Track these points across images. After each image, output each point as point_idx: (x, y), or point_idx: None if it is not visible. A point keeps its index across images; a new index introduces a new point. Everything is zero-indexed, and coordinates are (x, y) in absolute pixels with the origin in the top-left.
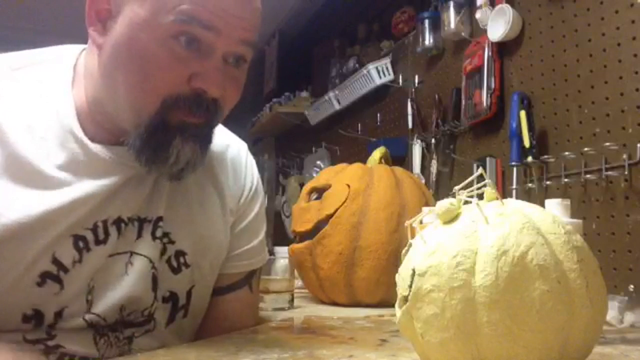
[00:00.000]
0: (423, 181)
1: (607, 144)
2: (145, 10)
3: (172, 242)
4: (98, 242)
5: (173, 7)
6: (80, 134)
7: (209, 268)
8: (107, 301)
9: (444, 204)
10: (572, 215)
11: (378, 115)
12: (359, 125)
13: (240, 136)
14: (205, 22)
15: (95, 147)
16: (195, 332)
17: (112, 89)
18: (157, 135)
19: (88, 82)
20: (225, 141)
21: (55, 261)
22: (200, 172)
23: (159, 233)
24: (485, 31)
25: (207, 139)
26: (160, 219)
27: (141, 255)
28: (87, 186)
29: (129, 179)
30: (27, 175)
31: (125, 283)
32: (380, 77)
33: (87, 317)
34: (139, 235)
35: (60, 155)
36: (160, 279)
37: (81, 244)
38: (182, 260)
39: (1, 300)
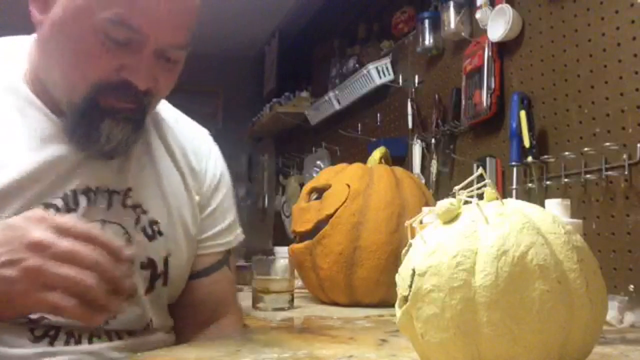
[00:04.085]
0: (423, 181)
1: (607, 144)
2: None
3: (144, 212)
4: (69, 209)
5: (107, 6)
6: (39, 103)
7: (183, 240)
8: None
9: (444, 204)
10: (572, 215)
11: (378, 115)
12: (359, 125)
13: (240, 136)
14: (136, 27)
15: (54, 119)
16: (171, 303)
17: (48, 68)
18: (88, 116)
19: (33, 59)
20: (188, 125)
21: None
22: (163, 150)
23: (129, 203)
24: (485, 31)
25: (140, 121)
26: (129, 190)
27: (114, 223)
28: (51, 155)
29: (101, 153)
30: None
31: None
32: (380, 77)
33: None
34: (110, 205)
35: (22, 126)
36: (136, 246)
37: (53, 212)
38: (155, 228)
39: None
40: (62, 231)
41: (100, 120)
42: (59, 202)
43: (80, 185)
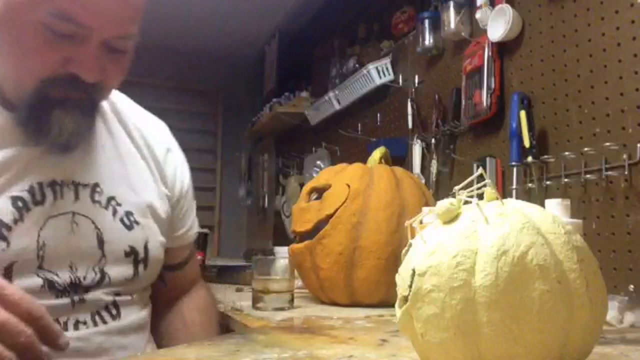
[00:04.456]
0: (423, 181)
1: (607, 144)
2: None
3: (119, 204)
4: (36, 202)
5: (48, 0)
6: None
7: (155, 225)
8: (57, 257)
9: (444, 204)
10: (572, 215)
11: (378, 115)
12: (359, 125)
13: (240, 136)
14: (79, 21)
15: (6, 113)
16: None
17: None
18: (38, 109)
19: None
20: (147, 117)
21: None
22: (127, 141)
23: (98, 197)
24: (485, 31)
25: (91, 111)
26: (97, 185)
27: (83, 216)
28: (8, 150)
29: (57, 145)
30: None
31: (72, 241)
32: (380, 77)
33: (41, 274)
34: (77, 197)
35: None
36: (116, 236)
37: (20, 204)
38: (132, 218)
39: None
40: (5, 302)
41: (50, 111)
42: (25, 195)
43: (46, 178)
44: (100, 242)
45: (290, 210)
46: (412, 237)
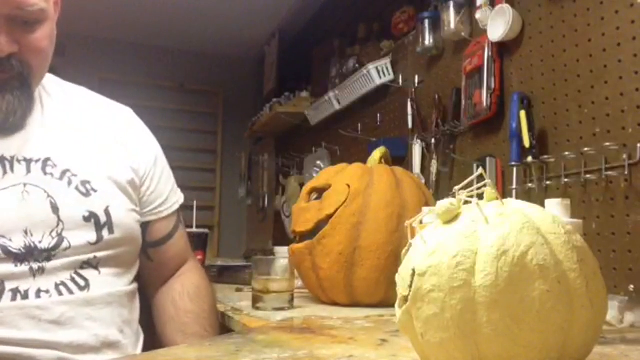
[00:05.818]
0: (423, 181)
1: (607, 144)
2: None
3: (74, 175)
4: None
5: None
6: None
7: (118, 193)
8: (9, 223)
9: (444, 204)
10: (572, 215)
11: (378, 115)
12: (359, 125)
13: (240, 136)
14: None
15: None
16: (133, 258)
17: None
18: None
19: None
20: (111, 103)
21: None
22: (87, 120)
23: (51, 170)
24: (485, 31)
25: (24, 90)
26: (48, 159)
27: (35, 186)
28: None
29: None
30: None
31: (25, 208)
32: (380, 77)
33: None
34: (28, 171)
35: None
36: (71, 203)
37: None
38: (88, 187)
39: None
40: None
41: None
42: None
43: None
44: (55, 209)
45: (290, 210)
46: (412, 237)
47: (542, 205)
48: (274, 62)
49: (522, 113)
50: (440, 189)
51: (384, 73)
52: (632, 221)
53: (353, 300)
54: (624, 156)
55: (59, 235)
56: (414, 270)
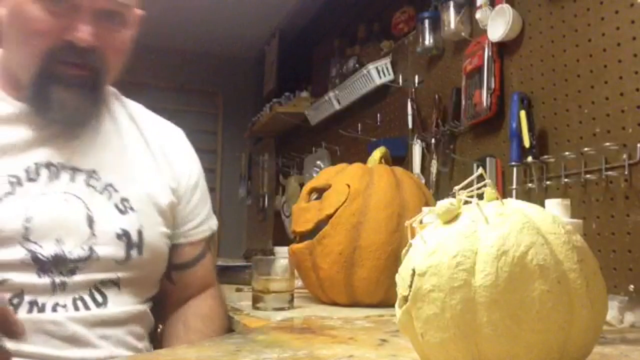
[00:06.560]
0: (423, 181)
1: (607, 144)
2: None
3: (116, 190)
4: (29, 179)
5: None
6: (2, 94)
7: (156, 215)
8: (43, 229)
9: (444, 204)
10: (572, 215)
11: (378, 115)
12: (359, 125)
13: (240, 136)
14: None
15: (16, 103)
16: (155, 279)
17: (9, 53)
18: (40, 84)
19: (2, 51)
20: (164, 123)
21: None
22: (137, 135)
23: (94, 183)
24: (485, 31)
25: (94, 89)
26: (94, 171)
27: (75, 196)
28: (11, 135)
29: (59, 130)
30: None
31: (60, 216)
32: (380, 77)
33: (25, 245)
34: (72, 180)
35: None
36: (107, 218)
37: (14, 180)
38: (127, 205)
39: None
40: None
41: (50, 86)
42: (22, 174)
43: (43, 160)
44: (90, 221)
45: (290, 210)
46: (412, 237)
47: (542, 205)
48: (273, 62)
49: (522, 113)
50: (440, 189)
51: (384, 73)
52: (632, 221)
53: (353, 300)
54: (624, 156)
55: (90, 248)
56: (414, 270)
